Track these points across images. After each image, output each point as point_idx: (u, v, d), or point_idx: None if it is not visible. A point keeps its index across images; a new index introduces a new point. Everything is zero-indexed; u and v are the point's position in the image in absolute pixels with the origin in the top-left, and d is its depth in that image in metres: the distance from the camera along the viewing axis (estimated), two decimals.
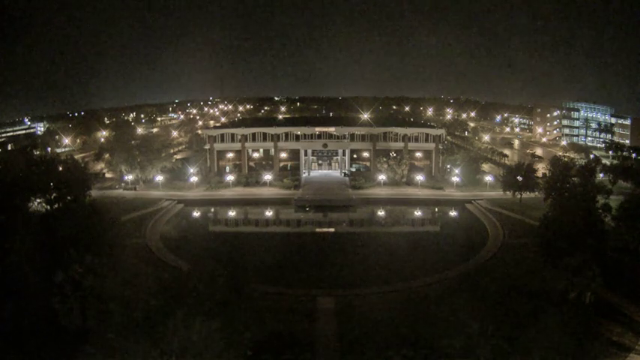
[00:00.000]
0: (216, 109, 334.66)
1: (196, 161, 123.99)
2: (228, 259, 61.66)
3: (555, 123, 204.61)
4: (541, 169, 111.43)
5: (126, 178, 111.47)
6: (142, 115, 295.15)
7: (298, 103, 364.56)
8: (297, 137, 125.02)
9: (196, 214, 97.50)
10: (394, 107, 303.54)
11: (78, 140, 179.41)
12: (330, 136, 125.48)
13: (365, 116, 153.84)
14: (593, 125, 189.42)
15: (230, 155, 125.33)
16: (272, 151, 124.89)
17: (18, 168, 79.29)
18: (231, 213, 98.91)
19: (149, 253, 67.67)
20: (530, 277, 40.69)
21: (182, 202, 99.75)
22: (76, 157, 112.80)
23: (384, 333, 43.11)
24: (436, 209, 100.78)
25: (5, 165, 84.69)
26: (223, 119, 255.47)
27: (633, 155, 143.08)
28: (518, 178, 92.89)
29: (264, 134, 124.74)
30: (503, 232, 76.85)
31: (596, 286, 45.16)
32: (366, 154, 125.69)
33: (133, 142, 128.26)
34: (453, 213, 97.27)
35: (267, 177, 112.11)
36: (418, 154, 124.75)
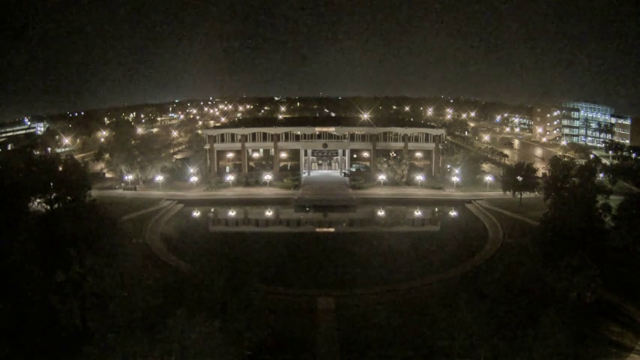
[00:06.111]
0: (216, 109, 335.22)
1: (196, 161, 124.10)
2: (228, 259, 61.51)
3: (555, 123, 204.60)
4: (541, 169, 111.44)
5: (126, 178, 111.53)
6: (142, 115, 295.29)
7: (298, 103, 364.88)
8: (297, 137, 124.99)
9: (196, 214, 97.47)
10: (394, 107, 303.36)
11: (78, 140, 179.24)
12: (330, 136, 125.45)
13: (365, 116, 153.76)
14: (593, 125, 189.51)
15: (230, 155, 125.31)
16: (272, 151, 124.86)
17: (18, 168, 79.21)
18: (231, 213, 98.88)
19: (149, 253, 67.68)
20: (530, 277, 40.54)
21: (182, 202, 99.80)
22: (76, 157, 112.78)
23: (384, 333, 43.17)
24: (436, 209, 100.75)
25: (5, 165, 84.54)
26: (223, 119, 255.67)
27: (633, 155, 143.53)
28: (518, 178, 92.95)
29: (264, 134, 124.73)
30: (503, 232, 76.93)
31: (596, 286, 45.17)
32: (366, 154, 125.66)
33: (133, 142, 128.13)
34: (452, 213, 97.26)
35: (267, 177, 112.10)
36: (418, 154, 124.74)
